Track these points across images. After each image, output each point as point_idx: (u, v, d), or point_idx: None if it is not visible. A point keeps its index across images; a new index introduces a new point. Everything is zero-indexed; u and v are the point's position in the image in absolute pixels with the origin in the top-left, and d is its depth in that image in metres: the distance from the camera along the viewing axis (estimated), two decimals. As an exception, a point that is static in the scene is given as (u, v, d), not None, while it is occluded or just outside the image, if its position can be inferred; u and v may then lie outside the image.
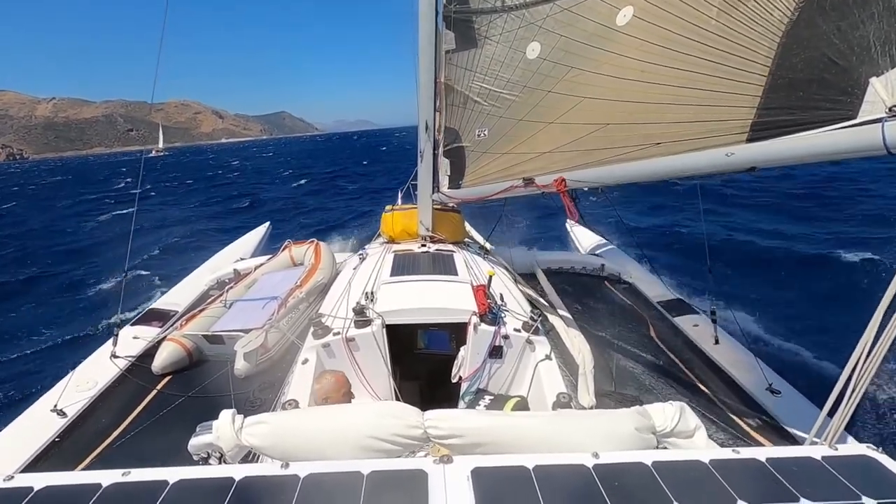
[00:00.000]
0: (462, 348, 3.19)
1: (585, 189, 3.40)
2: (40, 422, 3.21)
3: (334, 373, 2.74)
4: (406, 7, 4.08)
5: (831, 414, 1.85)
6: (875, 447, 1.43)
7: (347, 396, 2.64)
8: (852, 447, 1.46)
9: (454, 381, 3.21)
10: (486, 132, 3.95)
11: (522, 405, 2.91)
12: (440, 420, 1.76)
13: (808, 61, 2.22)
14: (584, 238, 7.37)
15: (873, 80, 1.99)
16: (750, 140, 2.47)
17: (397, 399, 3.04)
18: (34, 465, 2.87)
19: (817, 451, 1.40)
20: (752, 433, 3.06)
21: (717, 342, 4.07)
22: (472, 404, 3.03)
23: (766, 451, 1.42)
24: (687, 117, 2.74)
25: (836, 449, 1.42)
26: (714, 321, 4.22)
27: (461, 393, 3.19)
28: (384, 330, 3.16)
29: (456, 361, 3.21)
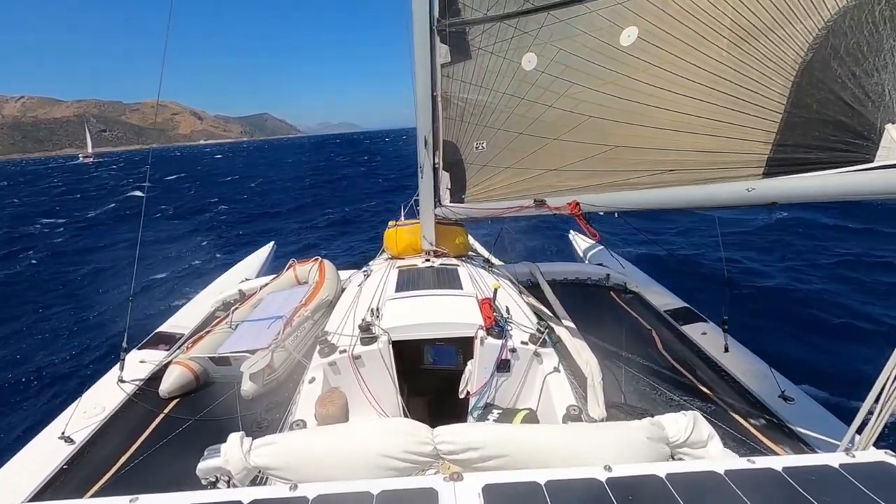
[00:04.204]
0: (469, 363, 3.17)
1: (601, 213, 3.41)
2: (48, 449, 3.19)
3: (334, 399, 2.55)
4: (400, 20, 4.08)
5: (860, 431, 1.81)
6: (893, 453, 1.40)
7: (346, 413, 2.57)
8: (870, 453, 1.43)
9: (462, 396, 3.18)
10: (483, 145, 3.97)
11: (532, 418, 2.87)
12: (450, 435, 1.74)
13: (823, 102, 2.23)
14: (587, 248, 7.35)
15: (889, 126, 2.01)
16: (766, 175, 2.47)
17: (405, 416, 3.01)
18: (42, 493, 2.84)
19: (834, 459, 1.38)
20: (766, 441, 3.01)
21: (726, 350, 4.02)
22: (480, 419, 3.00)
23: (781, 461, 1.39)
24: (699, 146, 2.73)
25: (854, 456, 1.39)
26: (725, 330, 4.18)
27: (470, 408, 3.16)
28: (391, 346, 3.14)
29: (463, 376, 3.18)
